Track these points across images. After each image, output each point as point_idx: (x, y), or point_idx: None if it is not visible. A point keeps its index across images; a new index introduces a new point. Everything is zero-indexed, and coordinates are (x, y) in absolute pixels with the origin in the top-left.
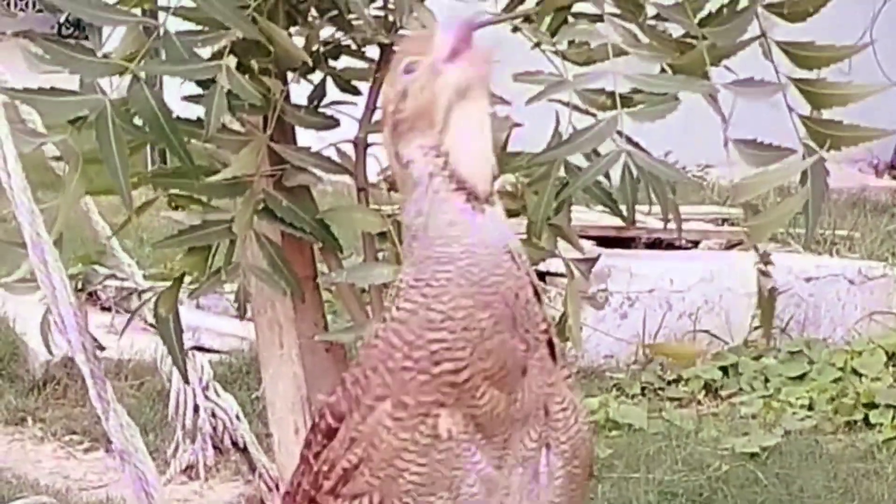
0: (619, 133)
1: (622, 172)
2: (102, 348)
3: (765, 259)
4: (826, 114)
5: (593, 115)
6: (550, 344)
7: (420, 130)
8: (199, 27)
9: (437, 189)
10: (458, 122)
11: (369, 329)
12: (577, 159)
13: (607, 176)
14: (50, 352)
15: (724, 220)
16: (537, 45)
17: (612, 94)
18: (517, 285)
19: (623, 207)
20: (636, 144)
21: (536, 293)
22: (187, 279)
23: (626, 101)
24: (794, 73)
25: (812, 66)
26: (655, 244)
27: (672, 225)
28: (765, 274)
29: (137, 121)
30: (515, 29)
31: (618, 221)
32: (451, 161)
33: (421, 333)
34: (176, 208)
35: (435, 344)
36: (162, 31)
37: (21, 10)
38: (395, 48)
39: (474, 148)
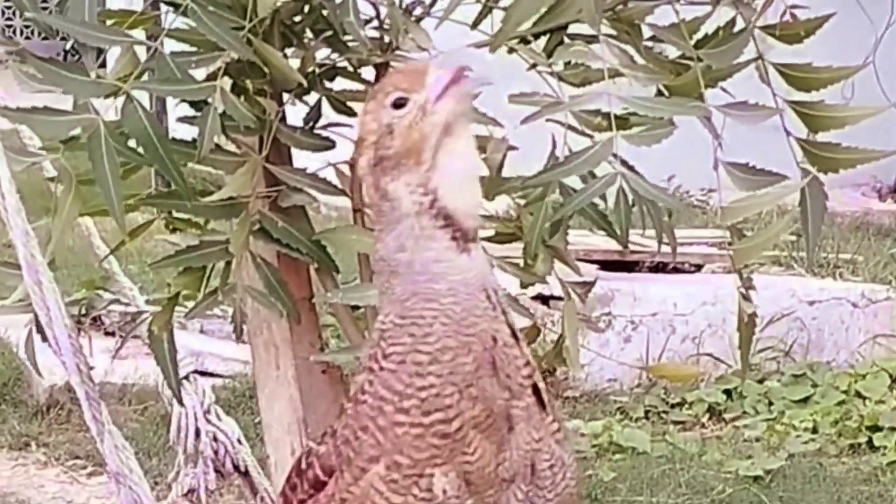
0: (614, 156)
1: (617, 195)
2: (90, 367)
3: (747, 284)
4: (826, 136)
5: (590, 136)
6: (536, 390)
7: (406, 168)
8: (194, 48)
9: (424, 226)
10: (445, 159)
11: (366, 352)
12: (573, 181)
13: (603, 198)
14: (39, 373)
15: (728, 244)
16: (533, 66)
17: (607, 116)
18: (493, 327)
19: (618, 230)
20: (631, 168)
21: (514, 334)
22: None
23: (623, 122)
24: (792, 96)
25: (809, 88)
26: (659, 268)
27: (668, 248)
28: (746, 298)
29: (132, 142)
30: (511, 50)
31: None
32: (439, 198)
33: (410, 382)
34: (173, 231)
35: (423, 391)
36: (156, 51)
37: (27, 37)
38: (390, 69)
39: (462, 184)
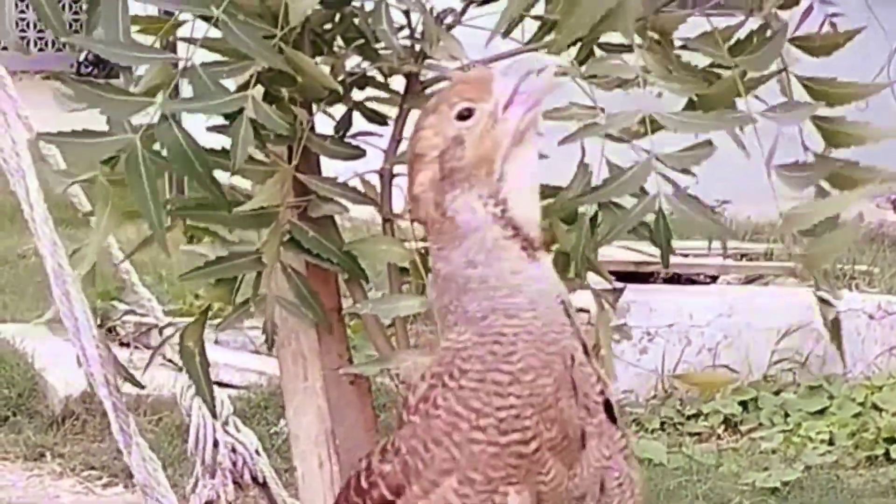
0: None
1: (657, 216)
2: (141, 385)
3: (830, 290)
4: (840, 153)
5: (627, 141)
6: (608, 406)
7: (478, 179)
8: (225, 58)
9: (497, 237)
10: (513, 168)
11: (396, 362)
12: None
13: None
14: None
15: (743, 256)
16: (564, 73)
17: (643, 120)
18: (572, 344)
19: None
20: (674, 183)
21: (586, 349)
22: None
23: (657, 125)
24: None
25: (833, 102)
26: (674, 279)
27: (703, 260)
28: (825, 302)
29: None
30: None
31: (636, 256)
32: (509, 208)
33: (488, 401)
34: (191, 240)
35: (503, 411)
36: (187, 63)
37: (40, 49)
38: (421, 78)
39: (529, 193)
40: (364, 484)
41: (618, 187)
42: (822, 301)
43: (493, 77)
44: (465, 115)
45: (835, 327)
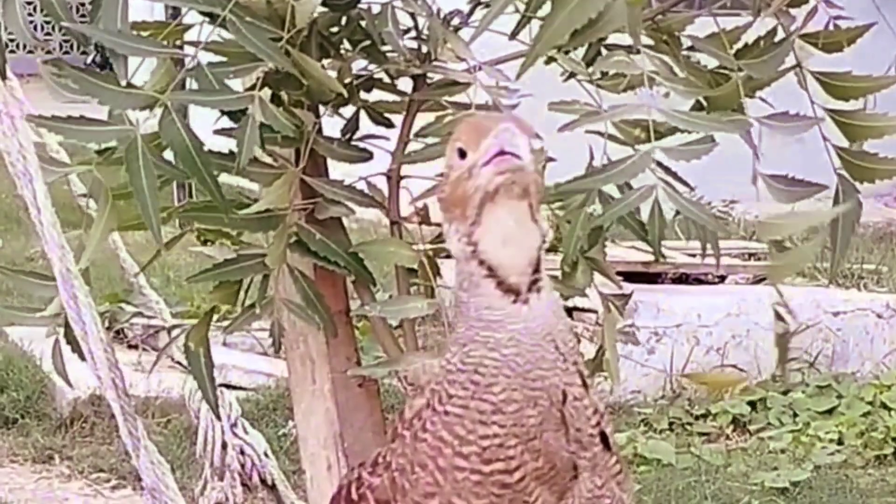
0: (659, 164)
1: (652, 207)
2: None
3: (782, 303)
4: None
5: (630, 145)
6: (603, 435)
7: (455, 217)
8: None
9: (472, 272)
10: (488, 220)
11: (404, 364)
12: (614, 191)
13: (638, 209)
14: (69, 384)
15: (751, 255)
16: (571, 75)
17: (646, 127)
18: (563, 381)
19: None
20: (675, 175)
21: (584, 382)
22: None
23: (661, 131)
24: (828, 104)
25: (848, 97)
26: (682, 279)
27: (710, 260)
28: (780, 318)
29: (167, 155)
30: (550, 60)
31: (644, 256)
32: (480, 252)
33: (472, 428)
34: (205, 243)
35: (485, 440)
36: (193, 62)
37: (47, 52)
38: (428, 80)
39: (504, 246)
40: (354, 495)
41: (617, 174)
42: (778, 316)
43: (488, 132)
44: (462, 154)
45: (782, 343)
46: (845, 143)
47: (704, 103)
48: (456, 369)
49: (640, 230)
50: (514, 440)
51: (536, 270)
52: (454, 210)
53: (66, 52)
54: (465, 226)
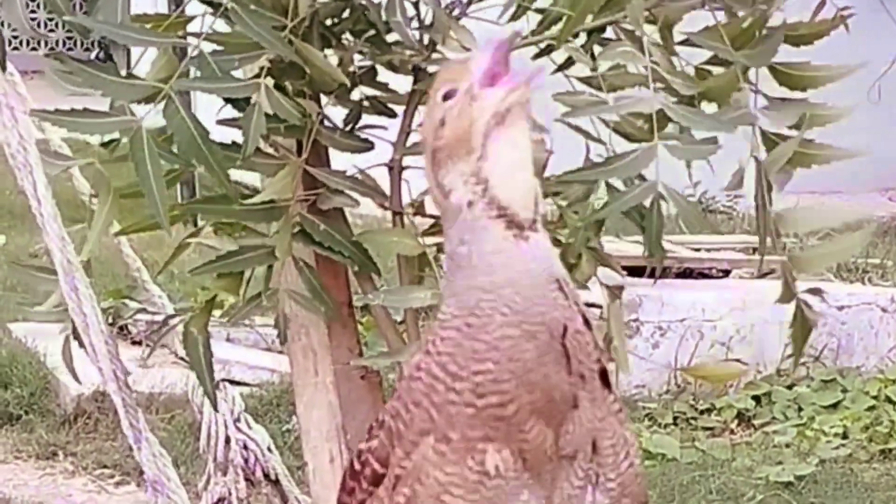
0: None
1: (651, 204)
2: (128, 373)
3: (817, 293)
4: (843, 140)
5: (634, 139)
6: (603, 372)
7: (458, 157)
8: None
9: (478, 216)
10: (496, 147)
11: (407, 355)
12: (618, 182)
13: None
14: (77, 379)
15: (755, 250)
16: (568, 64)
17: (649, 119)
18: (565, 316)
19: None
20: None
21: (586, 321)
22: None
23: (663, 124)
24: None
25: (804, 87)
26: (686, 273)
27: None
28: (808, 305)
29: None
30: (549, 49)
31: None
32: (490, 187)
33: (465, 364)
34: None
35: (479, 376)
36: (196, 51)
37: (51, 48)
38: (430, 70)
39: (514, 174)
40: (357, 466)
41: (620, 168)
42: (806, 304)
43: (471, 58)
44: (448, 96)
45: (803, 334)
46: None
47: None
48: (451, 316)
49: (642, 224)
50: (508, 374)
51: (537, 204)
52: (457, 151)
53: (70, 49)
54: (471, 164)
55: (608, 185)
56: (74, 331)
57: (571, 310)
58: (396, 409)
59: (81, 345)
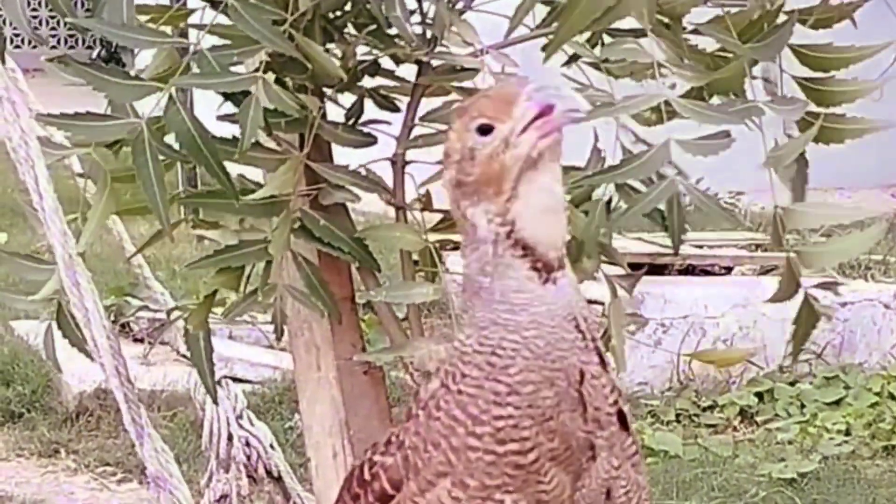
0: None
1: (670, 201)
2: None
3: (831, 287)
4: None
5: (637, 136)
6: (620, 414)
7: (486, 196)
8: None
9: (503, 255)
10: (527, 190)
11: (410, 350)
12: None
13: None
14: (59, 369)
15: (758, 247)
16: (573, 59)
17: (657, 109)
18: (581, 360)
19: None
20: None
21: (602, 361)
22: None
23: (671, 113)
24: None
25: (827, 69)
26: (689, 270)
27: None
28: (816, 300)
29: (170, 139)
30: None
31: (650, 248)
32: (518, 229)
33: (486, 408)
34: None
35: (500, 421)
36: (195, 47)
37: (53, 47)
38: (433, 64)
39: (543, 216)
40: (367, 475)
41: (636, 168)
42: (814, 299)
43: (516, 99)
44: (484, 131)
45: (807, 323)
46: None
47: (705, 87)
48: (472, 351)
49: (661, 221)
50: (528, 421)
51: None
52: (485, 190)
53: (72, 47)
54: (498, 204)
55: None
56: (59, 320)
57: (588, 352)
58: (415, 443)
59: (66, 335)
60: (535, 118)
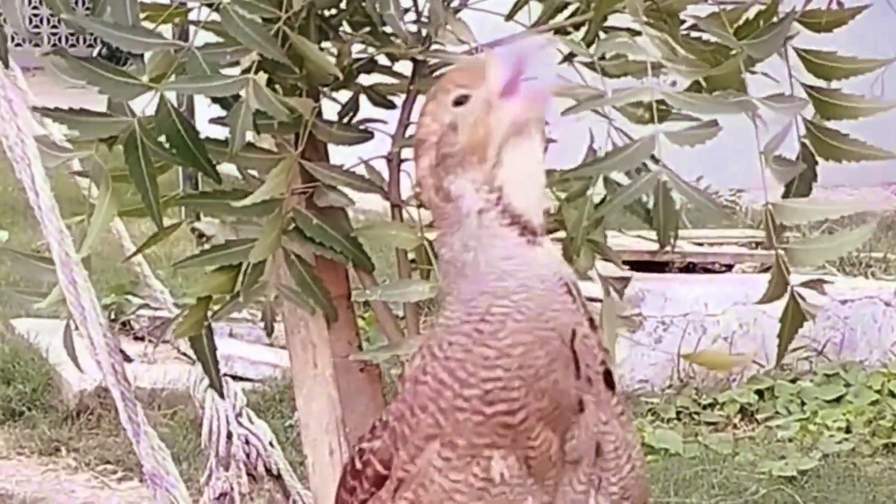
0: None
1: (657, 194)
2: (129, 360)
3: (816, 287)
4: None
5: (627, 135)
6: (607, 373)
7: (471, 165)
8: (228, 44)
9: (489, 224)
10: (512, 157)
11: (407, 348)
12: (618, 175)
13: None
14: (79, 368)
15: (758, 244)
16: (567, 58)
17: (649, 107)
18: (574, 320)
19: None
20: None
21: (592, 323)
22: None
23: (663, 114)
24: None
25: (830, 77)
26: (689, 268)
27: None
28: (802, 298)
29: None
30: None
31: (651, 246)
32: (505, 195)
33: (474, 371)
34: (201, 237)
35: (489, 383)
36: (189, 48)
37: (53, 45)
38: (428, 62)
39: (529, 182)
40: (358, 465)
41: (621, 161)
42: (801, 297)
43: (486, 64)
44: (460, 102)
45: (792, 324)
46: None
47: (703, 84)
48: (460, 322)
49: (647, 217)
50: (518, 381)
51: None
52: (470, 159)
53: (73, 45)
54: (484, 172)
55: (605, 179)
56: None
57: (579, 313)
58: (401, 411)
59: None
60: (511, 78)
